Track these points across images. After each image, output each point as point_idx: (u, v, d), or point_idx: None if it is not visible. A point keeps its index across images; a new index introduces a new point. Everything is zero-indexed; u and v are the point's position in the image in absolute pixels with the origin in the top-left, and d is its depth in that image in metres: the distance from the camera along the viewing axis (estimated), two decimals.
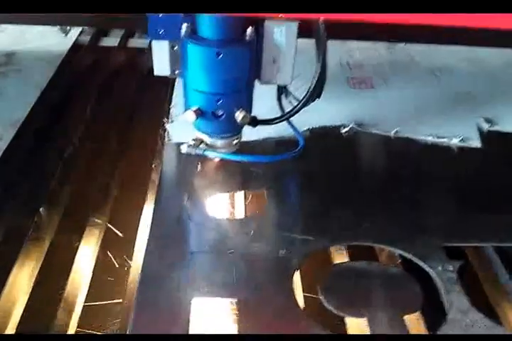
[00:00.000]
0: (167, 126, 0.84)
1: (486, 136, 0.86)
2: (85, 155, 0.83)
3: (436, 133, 0.86)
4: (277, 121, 0.74)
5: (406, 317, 0.60)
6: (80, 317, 0.62)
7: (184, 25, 0.61)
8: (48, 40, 1.10)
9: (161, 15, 0.62)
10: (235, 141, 0.73)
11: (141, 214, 0.72)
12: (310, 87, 0.67)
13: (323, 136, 0.83)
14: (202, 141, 0.71)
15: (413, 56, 1.09)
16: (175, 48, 0.65)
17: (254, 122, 0.72)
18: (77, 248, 0.68)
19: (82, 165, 0.81)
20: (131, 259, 0.66)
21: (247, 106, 0.68)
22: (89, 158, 0.83)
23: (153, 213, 0.69)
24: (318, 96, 0.69)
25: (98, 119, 0.91)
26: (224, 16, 0.60)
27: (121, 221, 0.73)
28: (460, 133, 0.85)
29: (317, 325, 0.57)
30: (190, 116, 0.65)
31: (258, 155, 0.77)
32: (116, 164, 0.82)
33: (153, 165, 0.78)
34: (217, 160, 0.76)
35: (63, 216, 0.72)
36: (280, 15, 0.61)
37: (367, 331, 0.58)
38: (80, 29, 1.15)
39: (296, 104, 0.71)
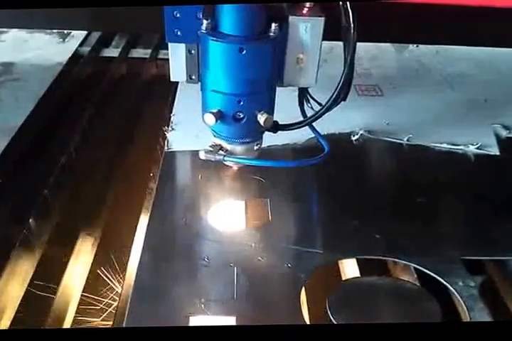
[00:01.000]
0: (167, 134, 0.82)
1: (504, 143, 0.83)
2: (81, 164, 0.81)
3: (451, 140, 0.83)
4: (300, 125, 0.70)
5: None
6: None
7: (204, 22, 0.59)
8: (47, 49, 1.08)
9: (178, 15, 0.60)
10: (256, 147, 0.69)
11: (137, 224, 0.69)
12: (336, 89, 0.64)
13: (333, 144, 0.79)
14: (221, 147, 0.67)
15: (423, 61, 1.07)
16: (192, 52, 0.63)
17: (275, 127, 0.69)
18: (68, 260, 0.65)
19: (77, 175, 0.79)
20: (124, 273, 0.63)
21: (269, 109, 0.65)
22: (85, 167, 0.80)
23: (149, 223, 0.66)
24: (344, 99, 0.66)
25: (95, 128, 0.89)
26: (247, 11, 0.58)
27: (115, 231, 0.70)
28: (477, 141, 0.82)
29: None
30: (210, 119, 0.62)
31: (281, 161, 0.75)
32: (113, 173, 0.80)
33: (151, 174, 0.76)
34: (217, 168, 0.72)
35: (54, 226, 0.70)
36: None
37: None
38: (80, 38, 1.13)
39: (318, 108, 0.68)
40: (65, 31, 1.15)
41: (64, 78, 0.99)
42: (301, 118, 0.70)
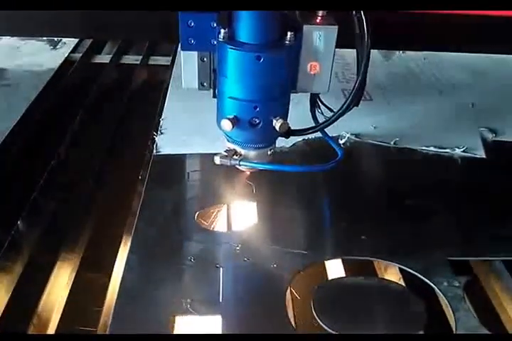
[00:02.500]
0: (156, 138, 0.83)
1: (490, 146, 0.85)
2: (71, 168, 0.81)
3: (438, 143, 0.84)
4: (312, 131, 0.71)
5: None
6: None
7: (222, 31, 0.60)
8: (39, 56, 1.09)
9: (192, 24, 0.61)
10: (270, 152, 0.70)
11: (125, 225, 0.69)
12: (350, 95, 0.66)
13: (320, 147, 0.80)
14: (235, 152, 0.68)
15: (411, 66, 1.08)
16: (204, 60, 0.64)
17: (288, 132, 0.69)
18: (55, 263, 0.65)
19: (66, 178, 0.79)
20: (110, 277, 0.63)
21: (284, 115, 0.66)
22: (74, 170, 0.81)
23: (136, 224, 0.66)
24: (356, 105, 0.67)
25: (85, 132, 0.90)
26: (264, 20, 0.59)
27: (104, 233, 0.71)
28: (463, 144, 0.84)
29: None
30: (227, 124, 0.63)
31: (296, 166, 0.76)
32: (103, 176, 0.81)
33: (140, 177, 0.77)
34: (204, 171, 0.72)
35: (43, 229, 0.70)
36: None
37: None
38: (71, 45, 1.15)
39: (328, 113, 0.69)
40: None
41: (55, 83, 1.00)
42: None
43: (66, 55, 1.10)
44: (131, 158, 0.84)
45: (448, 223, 0.70)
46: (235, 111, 0.63)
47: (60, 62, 1.07)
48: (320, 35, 0.61)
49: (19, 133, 0.85)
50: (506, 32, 1.10)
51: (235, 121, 0.63)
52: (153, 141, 0.82)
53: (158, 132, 0.84)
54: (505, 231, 0.68)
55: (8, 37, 1.15)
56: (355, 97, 0.66)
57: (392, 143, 0.84)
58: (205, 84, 0.66)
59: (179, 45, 1.13)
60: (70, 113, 0.93)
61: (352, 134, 0.85)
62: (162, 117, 0.89)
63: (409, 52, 1.14)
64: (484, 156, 0.82)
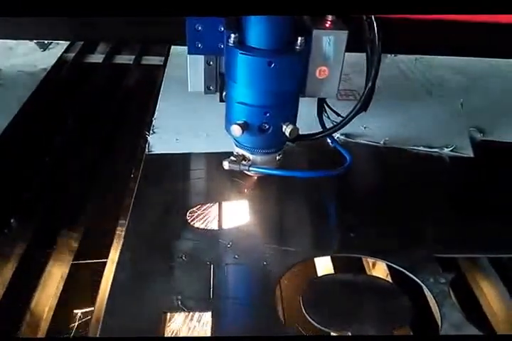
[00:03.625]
0: (149, 137, 0.84)
1: (479, 146, 0.86)
2: (64, 167, 0.81)
3: (427, 143, 0.86)
4: (321, 136, 0.72)
5: (394, 333, 0.56)
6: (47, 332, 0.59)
7: (232, 35, 0.60)
8: (33, 56, 1.10)
9: (199, 28, 0.62)
10: (278, 157, 0.71)
11: (117, 223, 0.69)
12: (359, 101, 0.66)
13: (310, 147, 0.81)
14: (243, 157, 0.69)
15: (402, 68, 1.09)
16: (211, 64, 0.65)
17: (296, 137, 0.69)
18: (48, 261, 0.66)
19: (60, 177, 0.80)
20: (102, 274, 0.63)
21: (293, 120, 0.67)
22: (67, 169, 0.81)
23: (128, 222, 0.67)
24: (365, 110, 0.68)
25: (78, 131, 0.90)
26: (275, 25, 0.59)
27: (96, 231, 0.71)
28: (452, 143, 0.85)
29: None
30: (237, 130, 0.63)
31: (306, 171, 0.77)
32: (96, 174, 0.82)
33: (132, 176, 0.77)
34: (196, 171, 0.73)
35: (36, 227, 0.70)
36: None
37: None
38: (64, 45, 1.15)
39: (334, 118, 0.71)
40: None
41: (48, 83, 1.00)
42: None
43: (59, 55, 1.11)
44: (124, 157, 0.85)
45: (436, 221, 0.71)
46: (244, 116, 0.64)
47: (53, 62, 1.07)
48: (330, 40, 0.62)
49: (13, 132, 0.85)
50: (499, 35, 1.12)
51: (245, 127, 0.63)
52: (146, 140, 0.83)
53: (151, 131, 0.85)
54: (491, 228, 0.70)
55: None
56: (365, 102, 0.66)
57: (381, 142, 0.85)
58: (211, 87, 0.67)
59: (172, 46, 1.15)
60: (63, 113, 0.93)
61: (342, 134, 0.86)
62: (154, 117, 0.89)
63: (400, 55, 1.15)
64: (472, 155, 0.84)
